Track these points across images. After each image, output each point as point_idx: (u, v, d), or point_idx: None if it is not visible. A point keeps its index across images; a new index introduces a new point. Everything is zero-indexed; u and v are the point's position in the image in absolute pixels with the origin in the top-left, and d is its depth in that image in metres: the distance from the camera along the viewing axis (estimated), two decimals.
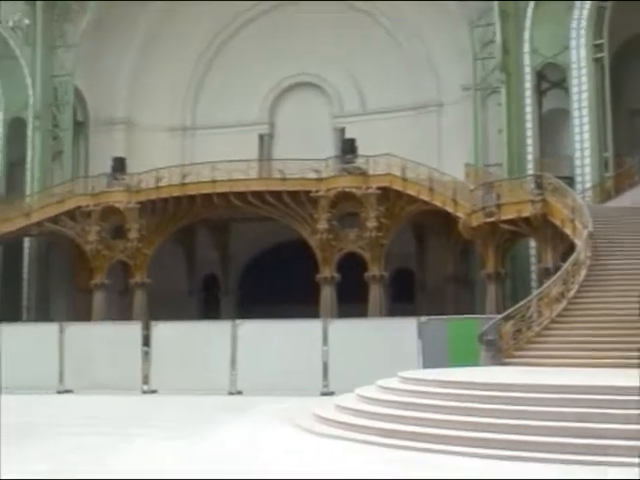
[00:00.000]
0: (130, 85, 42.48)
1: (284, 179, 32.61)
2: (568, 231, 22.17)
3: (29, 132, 38.01)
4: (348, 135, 37.39)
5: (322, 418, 11.24)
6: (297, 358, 17.36)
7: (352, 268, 31.21)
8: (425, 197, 29.94)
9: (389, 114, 39.45)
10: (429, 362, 16.12)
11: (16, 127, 38.11)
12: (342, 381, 15.88)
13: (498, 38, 31.45)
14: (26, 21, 38.82)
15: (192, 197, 33.10)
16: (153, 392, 18.00)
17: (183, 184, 33.22)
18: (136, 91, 42.46)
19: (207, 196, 32.82)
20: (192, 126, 43.48)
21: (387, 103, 39.51)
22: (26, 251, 37.43)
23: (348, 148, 34.36)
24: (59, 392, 18.29)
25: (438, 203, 29.43)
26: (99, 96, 41.62)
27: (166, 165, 34.57)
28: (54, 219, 34.31)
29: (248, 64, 41.37)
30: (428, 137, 37.93)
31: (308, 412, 11.80)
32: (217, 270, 40.46)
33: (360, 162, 32.72)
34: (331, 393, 16.10)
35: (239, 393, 17.41)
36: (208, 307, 38.82)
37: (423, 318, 17.76)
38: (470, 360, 14.95)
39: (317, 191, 31.65)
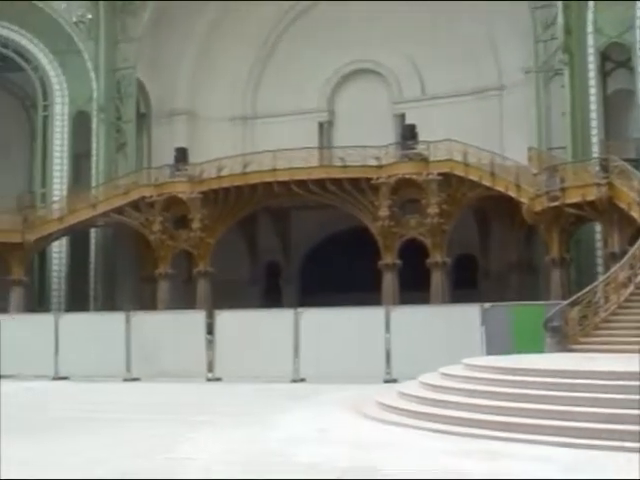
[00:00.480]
0: (191, 76, 42.94)
1: (345, 166, 32.57)
2: (635, 215, 21.68)
3: (93, 125, 38.78)
4: (408, 121, 37.10)
5: (385, 405, 11.24)
6: (359, 346, 17.38)
7: (414, 255, 31.05)
8: (487, 182, 29.56)
9: (449, 99, 39.03)
10: (493, 349, 15.95)
11: (81, 120, 38.91)
12: (405, 368, 15.84)
13: (560, 19, 30.74)
14: (89, 16, 39.55)
15: (253, 186, 33.32)
16: (218, 380, 18.24)
17: (244, 173, 33.47)
18: (197, 82, 42.91)
19: (268, 185, 33.00)
20: (252, 115, 43.73)
21: (447, 88, 39.09)
22: (92, 241, 38.25)
23: (408, 134, 34.13)
24: (126, 380, 18.65)
25: (500, 188, 29.04)
26: (161, 88, 42.23)
27: (227, 154, 34.90)
28: (119, 210, 34.96)
29: (307, 52, 41.37)
30: (489, 121, 37.39)
31: (371, 399, 11.81)
32: (279, 258, 40.72)
33: (421, 148, 32.46)
34: (394, 380, 16.08)
35: (302, 381, 17.52)
36: (270, 295, 39.09)
37: (487, 305, 17.57)
38: (535, 347, 14.76)
39: (378, 178, 31.54)
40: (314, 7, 42.10)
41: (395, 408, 10.96)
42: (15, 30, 38.14)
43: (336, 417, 11.24)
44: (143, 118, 42.02)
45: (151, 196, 34.48)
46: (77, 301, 35.94)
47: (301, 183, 32.44)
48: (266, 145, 35.58)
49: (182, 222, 34.53)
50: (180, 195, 34.09)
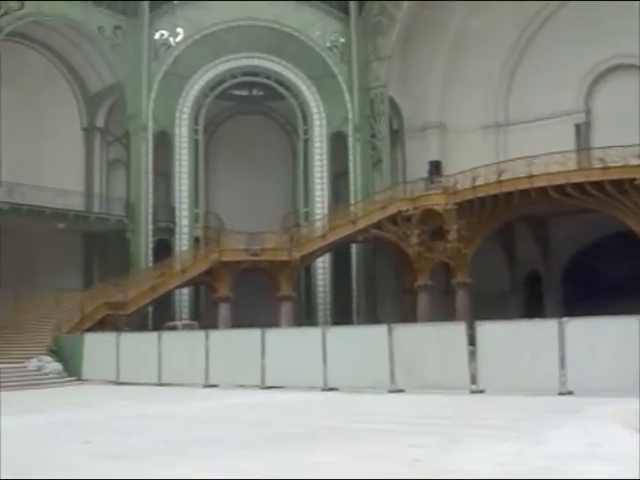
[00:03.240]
0: (441, 88, 43.16)
1: (605, 168, 31.01)
2: None
3: (350, 144, 40.38)
4: None
5: None
6: (632, 356, 16.40)
7: None
8: None
9: None
10: None
11: (338, 141, 40.68)
12: None
13: None
14: (341, 40, 41.27)
15: (509, 194, 32.75)
16: (481, 392, 18.09)
17: (499, 182, 33.00)
18: (447, 93, 43.03)
19: (524, 192, 32.27)
20: (505, 122, 42.94)
21: None
22: (353, 256, 39.67)
23: None
24: (391, 391, 19.05)
25: None
26: (412, 103, 42.91)
27: (480, 164, 34.61)
28: (377, 225, 35.91)
29: (560, 51, 39.98)
30: None
31: None
32: (539, 266, 39.52)
33: None
34: None
35: (569, 394, 16.87)
36: (531, 305, 38.02)
37: None
38: None
39: None
40: (565, 5, 40.60)
41: None
42: (276, 61, 40.76)
43: (609, 432, 10.71)
44: (396, 134, 42.99)
45: (407, 210, 35.06)
46: (341, 314, 37.44)
47: (559, 188, 31.36)
48: (520, 152, 34.83)
49: (438, 234, 34.73)
50: (435, 207, 34.34)
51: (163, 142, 40.11)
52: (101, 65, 40.38)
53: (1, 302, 33.50)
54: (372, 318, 36.17)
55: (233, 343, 23.56)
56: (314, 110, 40.93)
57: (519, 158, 33.20)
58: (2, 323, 32.86)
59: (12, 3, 35.46)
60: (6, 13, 35.34)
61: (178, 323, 34.72)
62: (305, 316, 38.55)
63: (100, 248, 41.05)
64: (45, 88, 40.40)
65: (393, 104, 42.27)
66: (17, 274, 36.84)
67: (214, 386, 22.83)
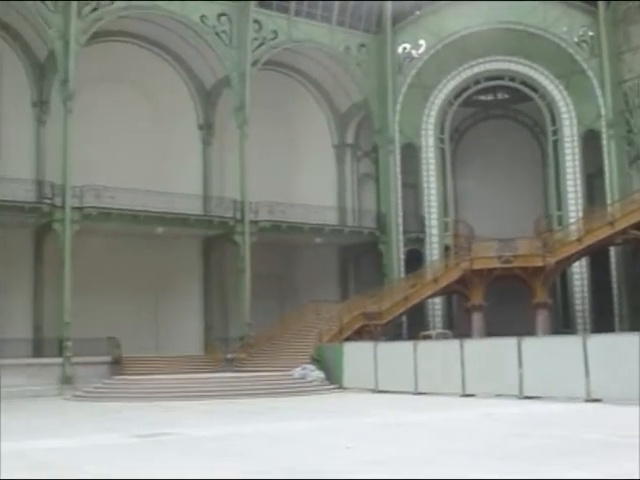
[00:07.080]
0: None
1: None
2: None
3: (604, 142, 38.44)
4: None
5: None
6: None
7: None
8: None
9: None
10: None
11: (589, 139, 38.91)
12: None
13: None
14: (590, 33, 39.47)
15: None
16: None
17: None
18: None
19: None
20: None
21: None
22: (612, 260, 37.65)
23: None
24: None
25: None
26: None
27: None
28: (637, 225, 33.85)
29: None
30: None
31: None
32: None
33: None
34: None
35: None
36: None
37: None
38: None
39: None
40: None
41: None
42: (521, 62, 39.93)
43: None
44: None
45: None
46: (601, 321, 35.69)
47: None
48: None
49: None
50: None
51: (410, 153, 40.71)
52: (348, 83, 41.84)
53: (268, 314, 35.77)
54: (637, 325, 34.04)
55: (488, 352, 23.29)
56: (563, 109, 39.49)
57: None
58: (269, 333, 35.10)
59: (267, 34, 37.94)
60: (262, 44, 37.88)
61: (432, 332, 34.95)
62: (562, 324, 37.19)
63: (354, 260, 42.47)
64: (298, 110, 42.70)
65: None
66: (280, 287, 39.21)
67: (471, 395, 22.72)
